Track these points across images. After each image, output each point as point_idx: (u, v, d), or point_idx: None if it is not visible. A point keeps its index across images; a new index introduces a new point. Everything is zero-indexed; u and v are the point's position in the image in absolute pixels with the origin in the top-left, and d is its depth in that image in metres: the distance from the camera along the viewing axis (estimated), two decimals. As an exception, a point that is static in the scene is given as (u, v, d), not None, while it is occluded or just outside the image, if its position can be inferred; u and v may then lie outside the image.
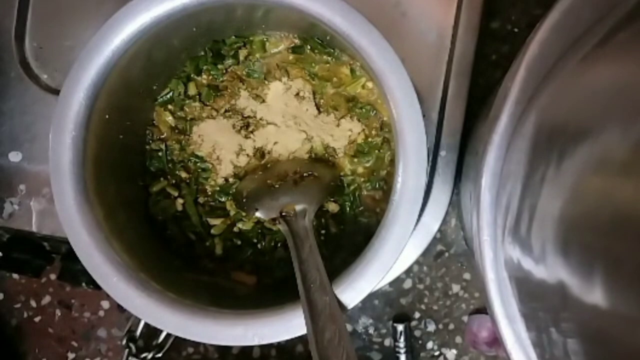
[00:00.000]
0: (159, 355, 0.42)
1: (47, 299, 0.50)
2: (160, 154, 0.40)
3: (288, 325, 0.31)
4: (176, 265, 0.39)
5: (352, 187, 0.39)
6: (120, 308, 0.49)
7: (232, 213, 0.40)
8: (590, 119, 0.22)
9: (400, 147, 0.31)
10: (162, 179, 0.40)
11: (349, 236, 0.39)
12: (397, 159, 0.32)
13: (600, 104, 0.22)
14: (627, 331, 0.19)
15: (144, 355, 0.42)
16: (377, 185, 0.39)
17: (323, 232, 0.39)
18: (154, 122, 0.40)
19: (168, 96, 0.39)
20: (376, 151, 0.39)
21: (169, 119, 0.40)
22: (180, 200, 0.39)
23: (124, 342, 0.42)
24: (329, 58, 0.39)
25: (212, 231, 0.39)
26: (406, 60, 0.31)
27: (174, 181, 0.40)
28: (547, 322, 0.24)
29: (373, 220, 0.39)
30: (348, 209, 0.39)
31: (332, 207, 0.39)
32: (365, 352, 0.48)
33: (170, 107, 0.40)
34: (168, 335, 0.41)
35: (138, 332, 0.41)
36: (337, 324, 0.30)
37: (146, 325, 0.37)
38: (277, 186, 0.37)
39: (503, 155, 0.25)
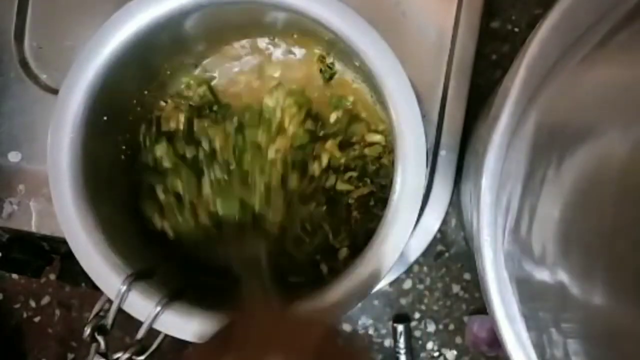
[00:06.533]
0: (142, 357, 0.32)
1: (46, 299, 0.50)
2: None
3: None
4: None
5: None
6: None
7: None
8: (590, 119, 0.22)
9: (400, 147, 0.31)
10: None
11: (350, 235, 0.39)
12: (397, 160, 0.32)
13: (600, 104, 0.22)
14: (627, 331, 0.19)
15: (117, 355, 0.32)
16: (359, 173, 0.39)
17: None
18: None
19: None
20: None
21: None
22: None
23: (88, 331, 0.31)
24: None
25: None
26: (406, 61, 0.31)
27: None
28: (547, 322, 0.24)
29: (374, 219, 0.39)
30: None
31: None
32: (365, 352, 0.48)
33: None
34: (154, 333, 0.34)
35: (110, 320, 0.31)
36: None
37: (122, 312, 0.31)
38: None
39: (503, 155, 0.25)
